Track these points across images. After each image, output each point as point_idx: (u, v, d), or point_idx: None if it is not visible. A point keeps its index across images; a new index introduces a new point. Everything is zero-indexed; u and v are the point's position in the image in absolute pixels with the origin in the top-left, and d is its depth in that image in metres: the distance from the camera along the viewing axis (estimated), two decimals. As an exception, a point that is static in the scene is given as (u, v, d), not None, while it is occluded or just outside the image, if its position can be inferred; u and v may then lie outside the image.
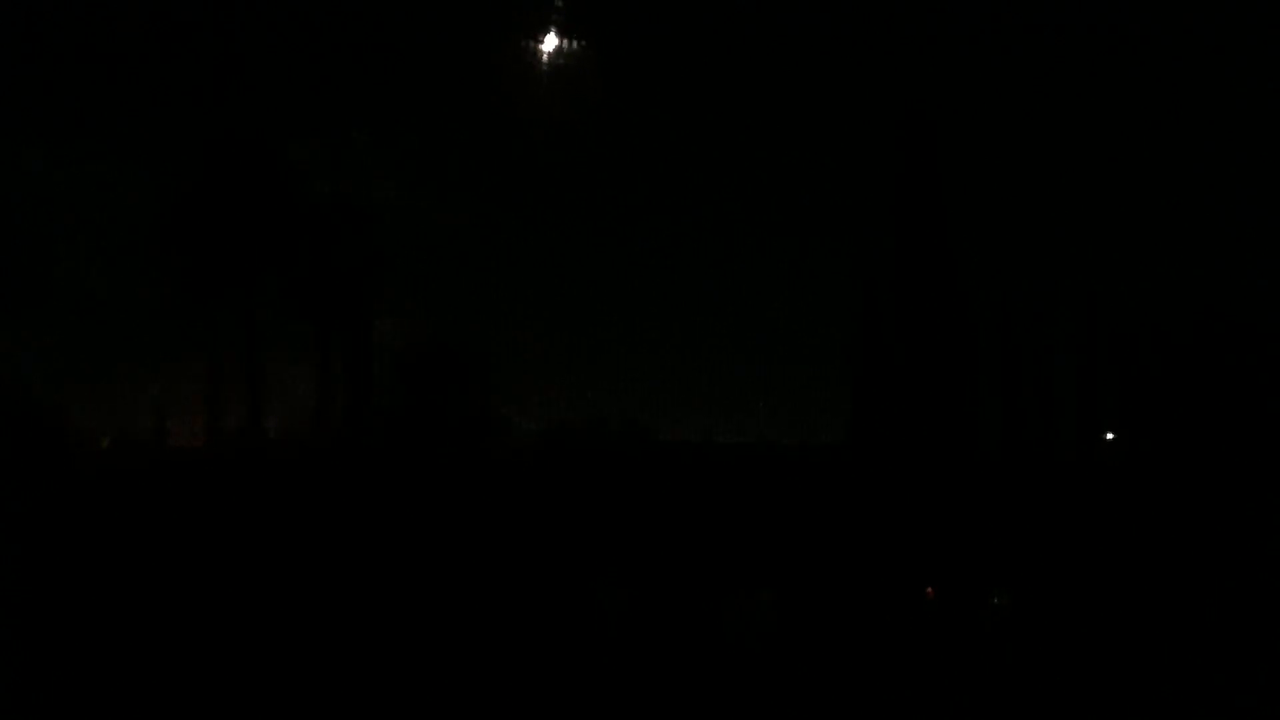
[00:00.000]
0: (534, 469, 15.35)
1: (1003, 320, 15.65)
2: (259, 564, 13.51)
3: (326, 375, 16.23)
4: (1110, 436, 15.29)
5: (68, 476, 14.62)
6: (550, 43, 15.90)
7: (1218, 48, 15.39)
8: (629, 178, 16.19)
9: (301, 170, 16.24)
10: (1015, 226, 15.88)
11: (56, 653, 12.07)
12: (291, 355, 16.14)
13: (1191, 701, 11.28)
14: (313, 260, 16.27)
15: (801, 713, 11.54)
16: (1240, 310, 15.32)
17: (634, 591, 13.76)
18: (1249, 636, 12.22)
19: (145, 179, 15.82)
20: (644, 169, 16.22)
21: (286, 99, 15.96)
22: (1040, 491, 14.23)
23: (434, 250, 16.24)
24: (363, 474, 15.24)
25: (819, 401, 15.76)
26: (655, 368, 16.03)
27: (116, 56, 15.84)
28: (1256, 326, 15.21)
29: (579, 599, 13.57)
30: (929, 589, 13.24)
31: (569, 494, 14.72)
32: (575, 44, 15.91)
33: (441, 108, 16.07)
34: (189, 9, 15.88)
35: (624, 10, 15.87)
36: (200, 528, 13.98)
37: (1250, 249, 15.42)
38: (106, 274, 15.84)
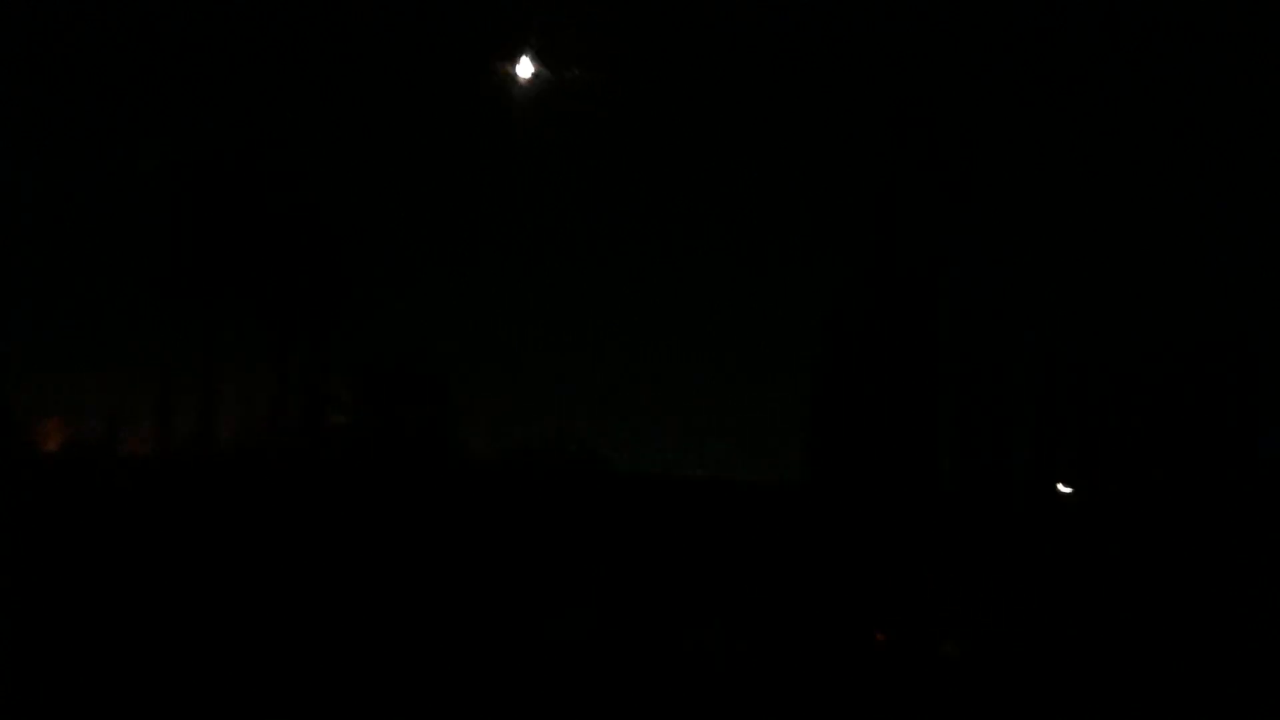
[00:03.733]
0: (490, 489, 15.27)
1: (965, 361, 15.70)
2: (203, 573, 13.36)
3: (283, 387, 16.07)
4: (1066, 490, 15.36)
5: (12, 479, 14.41)
6: (525, 67, 15.85)
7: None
8: (596, 202, 16.13)
9: (267, 181, 16.10)
10: (981, 265, 15.90)
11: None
12: (248, 365, 15.98)
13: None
14: (274, 271, 16.12)
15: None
16: (1204, 353, 15.40)
17: (585, 619, 13.69)
18: (1210, 682, 12.28)
19: (109, 186, 15.66)
20: (611, 193, 16.16)
21: (255, 111, 15.80)
22: (996, 540, 14.30)
23: (397, 266, 16.13)
24: (316, 486, 15.10)
25: (778, 439, 15.76)
26: (615, 396, 15.98)
27: (78, 65, 15.65)
28: (1220, 370, 15.29)
29: (532, 622, 13.49)
30: (879, 634, 13.25)
31: (525, 516, 14.66)
32: (546, 67, 15.86)
33: (411, 124, 15.95)
34: (153, 21, 15.69)
35: (587, 36, 15.81)
36: (147, 534, 13.82)
37: (1219, 293, 15.42)
38: (64, 276, 15.63)
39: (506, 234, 16.07)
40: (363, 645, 12.72)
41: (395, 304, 16.03)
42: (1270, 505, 14.26)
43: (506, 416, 15.83)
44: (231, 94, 15.73)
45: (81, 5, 15.49)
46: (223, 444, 15.61)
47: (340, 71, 15.88)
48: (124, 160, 15.68)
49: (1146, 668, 12.63)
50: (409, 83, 15.83)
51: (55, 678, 11.88)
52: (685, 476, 15.57)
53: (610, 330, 16.11)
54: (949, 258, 15.77)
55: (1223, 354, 15.19)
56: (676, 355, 16.02)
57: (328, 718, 11.96)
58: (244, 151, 16.05)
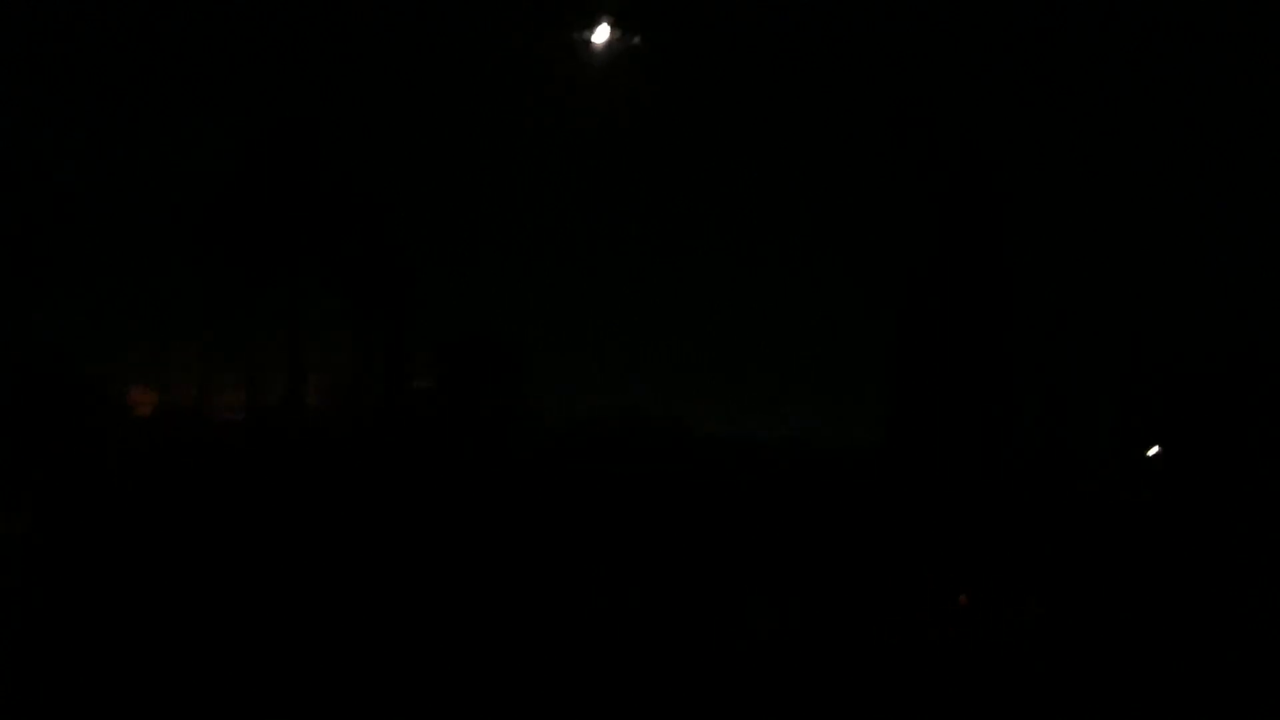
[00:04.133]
0: (566, 458, 15.40)
1: (1045, 327, 15.55)
2: (289, 538, 13.61)
3: (365, 358, 16.34)
4: (1154, 452, 15.17)
5: (109, 444, 14.79)
6: (600, 34, 15.89)
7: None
8: (670, 168, 16.16)
9: (346, 159, 16.34)
10: (1061, 230, 15.73)
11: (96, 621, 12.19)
12: (331, 339, 16.25)
13: (1224, 709, 11.20)
14: (354, 245, 16.37)
15: (830, 710, 11.52)
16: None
17: (661, 587, 13.74)
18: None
19: (197, 162, 15.98)
20: (686, 159, 16.19)
21: (330, 88, 16.03)
22: (1078, 501, 14.16)
23: (472, 238, 16.30)
24: (397, 455, 15.33)
25: (858, 402, 15.70)
26: (692, 361, 16.04)
27: (166, 43, 15.97)
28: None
29: (607, 592, 13.57)
30: (963, 596, 13.19)
31: (600, 485, 14.76)
32: (624, 36, 15.89)
33: (483, 98, 16.08)
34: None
35: (672, 5, 15.83)
36: (236, 498, 14.12)
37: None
38: (152, 250, 15.98)
39: (580, 205, 16.20)
40: (446, 596, 12.91)
41: (472, 277, 16.23)
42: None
43: (584, 385, 15.96)
44: (315, 71, 15.99)
45: None
46: (308, 412, 15.91)
47: (418, 47, 16.07)
48: (211, 137, 16.02)
49: (1228, 629, 12.47)
50: (484, 55, 15.99)
51: (152, 627, 12.18)
52: (763, 441, 15.61)
53: (687, 299, 16.21)
54: (1023, 224, 15.64)
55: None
56: (755, 322, 16.09)
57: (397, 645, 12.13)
58: (325, 129, 16.31)
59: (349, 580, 13.19)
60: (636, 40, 15.87)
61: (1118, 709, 11.51)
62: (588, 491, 14.73)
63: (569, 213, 16.30)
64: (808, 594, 13.50)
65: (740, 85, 15.97)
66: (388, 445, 15.66)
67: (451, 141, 16.28)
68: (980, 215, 15.68)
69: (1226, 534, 13.67)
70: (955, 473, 14.78)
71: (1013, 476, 14.84)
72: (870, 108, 15.86)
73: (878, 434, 15.49)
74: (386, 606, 12.90)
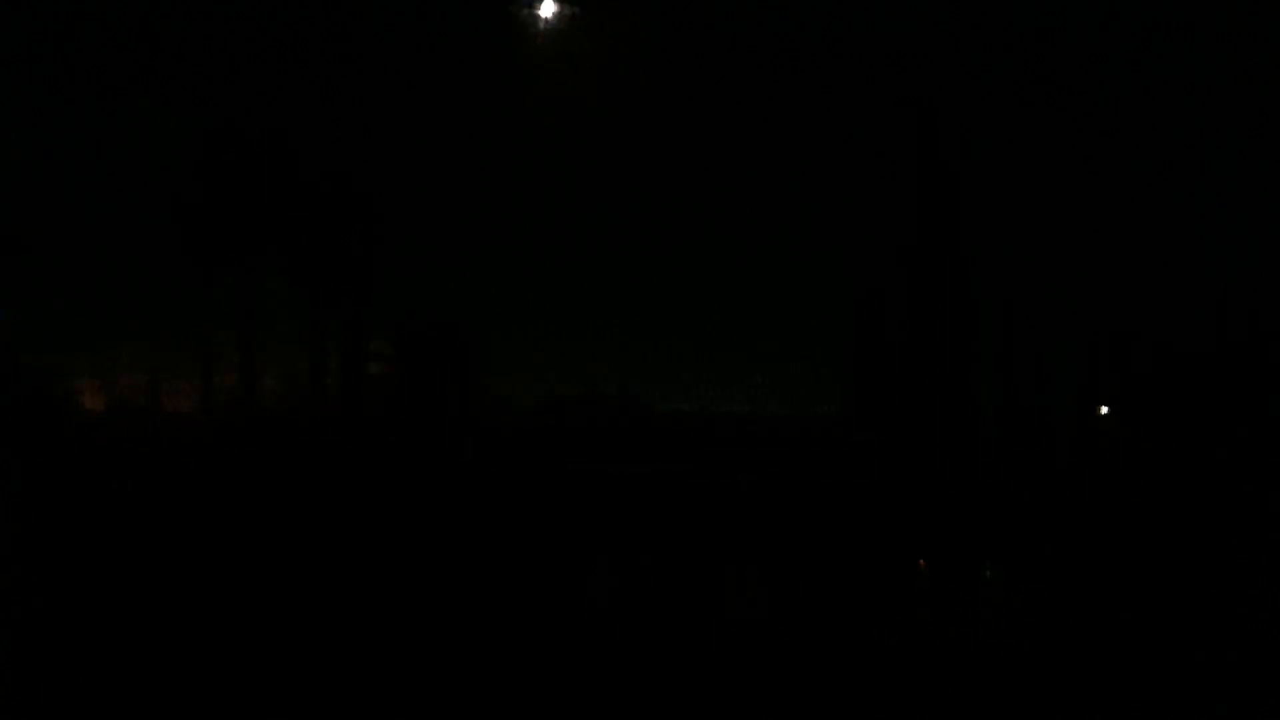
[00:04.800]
0: (527, 441, 15.34)
1: (1002, 293, 15.64)
2: (249, 531, 13.48)
3: (321, 346, 16.24)
4: (1104, 411, 15.27)
5: (62, 439, 14.63)
6: (548, 9, 15.86)
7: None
8: (627, 151, 16.14)
9: (299, 146, 16.25)
10: (1019, 202, 15.83)
11: (60, 620, 12.02)
12: (286, 326, 16.16)
13: (1188, 681, 11.24)
14: (309, 232, 16.27)
15: (798, 687, 11.49)
16: (1243, 294, 15.32)
17: (629, 564, 13.71)
18: (1247, 619, 12.16)
19: (151, 158, 15.87)
20: (642, 142, 16.18)
21: (285, 79, 15.95)
22: (1034, 464, 14.24)
23: (429, 222, 16.24)
24: (356, 444, 15.24)
25: (814, 373, 15.75)
26: (649, 340, 16.03)
27: (121, 39, 15.84)
28: (1258, 311, 15.20)
29: (574, 572, 13.52)
30: (921, 561, 13.22)
31: (563, 465, 14.72)
32: (575, 13, 15.87)
33: (437, 82, 16.03)
34: None
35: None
36: (192, 492, 13.99)
37: (1259, 239, 15.40)
38: (106, 245, 15.86)
39: (536, 185, 16.16)
40: (405, 588, 12.82)
41: (429, 262, 16.17)
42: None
43: (541, 366, 15.94)
44: (267, 63, 15.91)
45: None
46: (264, 401, 15.80)
47: (370, 34, 16.01)
48: (162, 130, 15.91)
49: (1181, 591, 12.55)
50: (435, 44, 15.95)
51: (109, 627, 12.04)
52: (724, 414, 15.62)
53: (644, 275, 16.19)
54: (991, 199, 15.74)
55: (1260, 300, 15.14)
56: (713, 299, 16.10)
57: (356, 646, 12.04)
58: (278, 119, 16.22)
59: (314, 571, 13.07)
60: (582, 13, 15.86)
61: (1080, 676, 11.54)
62: (551, 473, 14.67)
63: (526, 199, 16.29)
64: (777, 568, 13.49)
65: (691, 60, 15.99)
66: (346, 432, 15.57)
67: (405, 126, 16.24)
68: (938, 188, 15.74)
69: (1182, 502, 13.78)
70: (913, 440, 14.83)
71: (971, 444, 14.90)
72: (825, 81, 15.90)
73: (837, 406, 15.53)
74: (354, 596, 12.79)
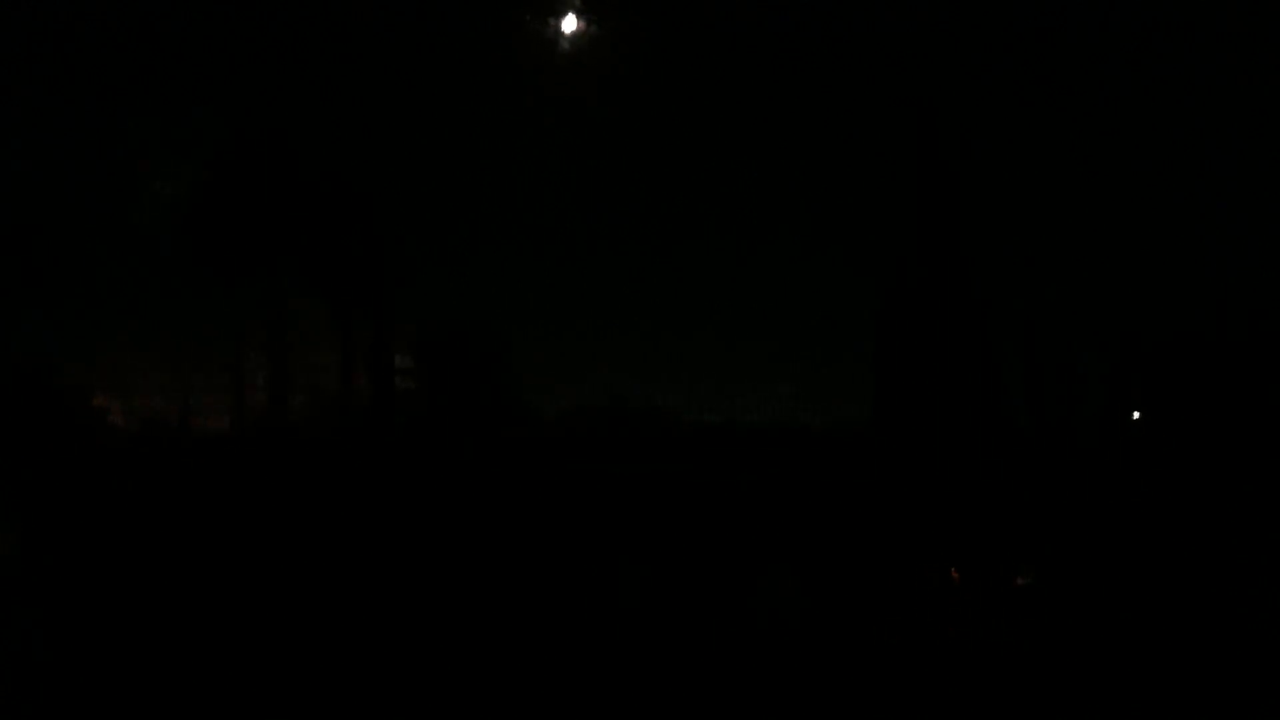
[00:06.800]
0: (554, 453, 15.35)
1: (1028, 298, 15.54)
2: (280, 546, 13.54)
3: (349, 361, 16.29)
4: (1137, 416, 15.12)
5: (90, 455, 14.73)
6: (570, 24, 15.86)
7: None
8: (649, 160, 16.13)
9: (324, 157, 16.29)
10: (1043, 207, 15.73)
11: (79, 634, 12.12)
12: (314, 340, 16.20)
13: (1218, 687, 11.13)
14: (334, 246, 16.32)
15: (827, 693, 11.46)
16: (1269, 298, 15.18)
17: (658, 575, 13.69)
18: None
19: (172, 166, 15.96)
20: (665, 150, 16.16)
21: (307, 87, 16.00)
22: (1065, 471, 14.12)
23: (452, 236, 16.26)
24: (385, 457, 15.28)
25: (842, 381, 15.67)
26: (675, 350, 16.00)
27: (137, 45, 15.93)
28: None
29: (602, 583, 13.52)
30: (954, 570, 13.13)
31: (590, 478, 14.72)
32: (596, 27, 15.86)
33: (461, 91, 16.05)
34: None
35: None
36: (223, 508, 14.06)
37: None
38: (131, 258, 15.95)
39: (557, 196, 16.16)
40: (445, 598, 12.86)
41: (453, 274, 16.19)
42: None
43: (567, 376, 15.94)
44: (289, 76, 15.97)
45: None
46: (293, 416, 15.87)
47: (389, 43, 16.04)
48: (185, 144, 15.99)
49: (1213, 594, 12.43)
50: (460, 50, 15.96)
51: (136, 641, 12.12)
52: (749, 425, 15.57)
53: (672, 287, 16.18)
54: (1016, 205, 15.64)
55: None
56: (738, 308, 16.08)
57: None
58: (300, 132, 16.26)
59: (344, 585, 13.13)
60: (605, 29, 15.85)
61: (1107, 685, 11.45)
62: (579, 485, 14.68)
63: (545, 205, 16.29)
64: (804, 576, 13.45)
65: (709, 71, 15.95)
66: (375, 447, 15.62)
67: (427, 136, 16.27)
68: (959, 194, 15.65)
69: (1212, 509, 13.65)
70: (942, 449, 14.73)
71: (1000, 451, 14.80)
72: (841, 87, 15.83)
73: (864, 413, 15.45)
74: (385, 608, 12.84)
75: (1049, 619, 12.58)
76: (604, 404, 15.93)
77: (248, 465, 15.13)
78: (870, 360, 15.45)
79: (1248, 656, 11.46)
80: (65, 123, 15.86)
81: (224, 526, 13.85)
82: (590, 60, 15.83)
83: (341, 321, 16.24)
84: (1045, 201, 15.76)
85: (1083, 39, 15.59)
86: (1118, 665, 11.56)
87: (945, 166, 15.49)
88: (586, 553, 13.81)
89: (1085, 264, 15.60)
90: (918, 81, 15.61)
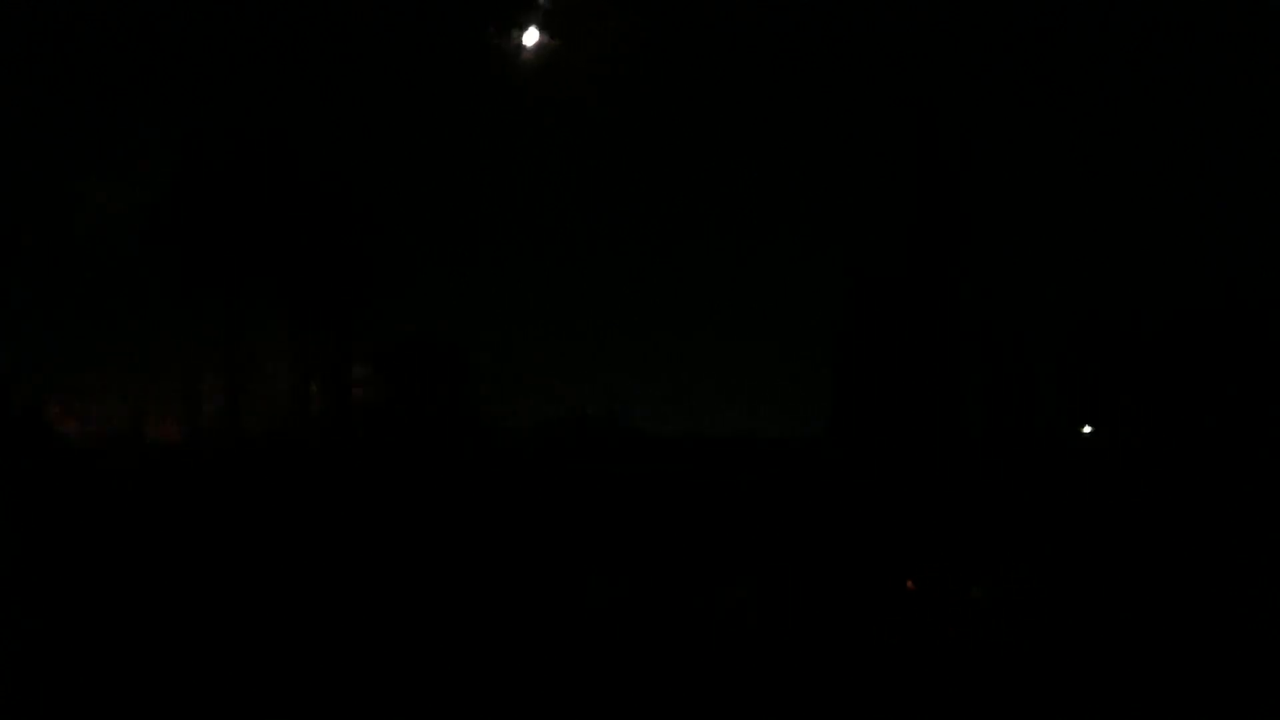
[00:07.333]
0: (515, 466, 15.33)
1: (986, 311, 15.69)
2: (236, 558, 13.42)
3: (305, 371, 16.17)
4: (1088, 430, 15.36)
5: (45, 469, 14.52)
6: (532, 36, 15.88)
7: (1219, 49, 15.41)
8: (610, 171, 16.16)
9: (282, 167, 16.18)
10: (1000, 219, 15.89)
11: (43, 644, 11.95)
12: (270, 351, 16.07)
13: (1178, 695, 11.32)
14: (291, 255, 16.20)
15: (786, 703, 11.55)
16: (1223, 304, 15.40)
17: (621, 587, 13.70)
18: (1236, 631, 12.24)
19: (126, 177, 15.78)
20: (626, 161, 16.19)
21: (267, 98, 15.88)
22: (1021, 485, 14.31)
23: (413, 247, 16.20)
24: (343, 469, 15.19)
25: (801, 394, 15.78)
26: (635, 363, 16.04)
27: (91, 53, 15.74)
28: (1238, 321, 15.29)
29: (566, 595, 13.51)
30: (909, 582, 13.27)
31: (551, 491, 14.71)
32: (559, 39, 15.89)
33: (423, 103, 16.00)
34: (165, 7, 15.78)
35: (612, 6, 15.81)
36: (178, 521, 13.91)
37: (1235, 249, 15.48)
38: (84, 269, 15.76)
39: (520, 208, 16.15)
40: (393, 614, 12.78)
41: (413, 285, 16.12)
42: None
43: (528, 389, 15.91)
44: (246, 84, 15.83)
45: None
46: (248, 427, 15.72)
47: (353, 59, 15.97)
48: (142, 152, 15.82)
49: (1167, 605, 12.64)
50: (419, 65, 15.91)
51: (97, 657, 11.96)
52: (711, 437, 15.64)
53: (627, 298, 16.20)
54: (971, 213, 15.74)
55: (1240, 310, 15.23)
56: (696, 318, 16.12)
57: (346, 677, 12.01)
58: (260, 141, 16.13)
59: (304, 599, 13.03)
60: (566, 42, 15.87)
61: (1068, 694, 11.62)
62: (542, 499, 14.67)
63: (509, 215, 16.28)
64: (771, 587, 13.52)
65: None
66: (333, 459, 15.52)
67: (390, 146, 16.20)
68: (923, 206, 15.75)
69: (1170, 516, 13.87)
70: (899, 462, 14.88)
71: (960, 460, 14.97)
72: (807, 96, 15.92)
73: (823, 423, 15.57)
74: (345, 624, 12.76)
75: (1004, 628, 12.75)
76: (564, 415, 15.95)
77: (197, 474, 14.97)
78: (830, 371, 15.58)
79: (1221, 659, 11.66)
80: (14, 128, 15.63)
81: (172, 535, 13.71)
82: (558, 73, 15.83)
83: (300, 330, 16.12)
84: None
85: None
86: (1074, 674, 11.74)
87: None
88: (548, 566, 13.79)
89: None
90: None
